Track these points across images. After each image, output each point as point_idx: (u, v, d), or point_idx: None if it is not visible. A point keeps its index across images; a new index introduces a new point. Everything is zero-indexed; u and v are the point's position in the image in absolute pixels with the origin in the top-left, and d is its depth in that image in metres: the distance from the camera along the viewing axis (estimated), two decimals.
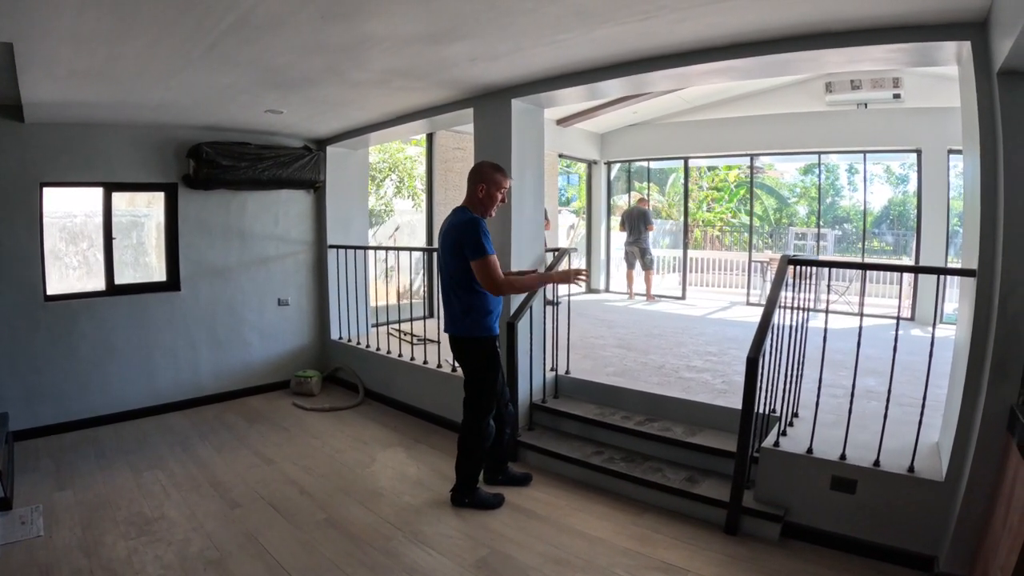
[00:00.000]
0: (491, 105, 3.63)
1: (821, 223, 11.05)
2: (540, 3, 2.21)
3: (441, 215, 6.73)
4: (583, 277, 2.94)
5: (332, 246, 5.26)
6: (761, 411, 2.77)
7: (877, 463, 2.48)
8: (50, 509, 2.91)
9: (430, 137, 6.69)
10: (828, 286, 3.67)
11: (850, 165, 12.77)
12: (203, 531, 2.72)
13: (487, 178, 2.81)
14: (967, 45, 2.21)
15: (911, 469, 2.43)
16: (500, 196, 2.84)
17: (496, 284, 2.73)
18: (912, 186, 11.99)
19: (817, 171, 13.08)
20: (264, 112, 4.06)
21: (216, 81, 3.25)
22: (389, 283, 5.58)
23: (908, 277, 6.53)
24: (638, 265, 7.64)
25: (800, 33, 2.50)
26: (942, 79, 5.53)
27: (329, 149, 5.21)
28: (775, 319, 2.76)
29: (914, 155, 6.27)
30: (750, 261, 8.04)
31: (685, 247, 8.37)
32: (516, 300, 3.48)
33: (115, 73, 2.98)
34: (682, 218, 9.06)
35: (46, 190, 3.96)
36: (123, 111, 3.81)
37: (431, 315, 6.40)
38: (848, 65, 2.97)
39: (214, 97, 3.62)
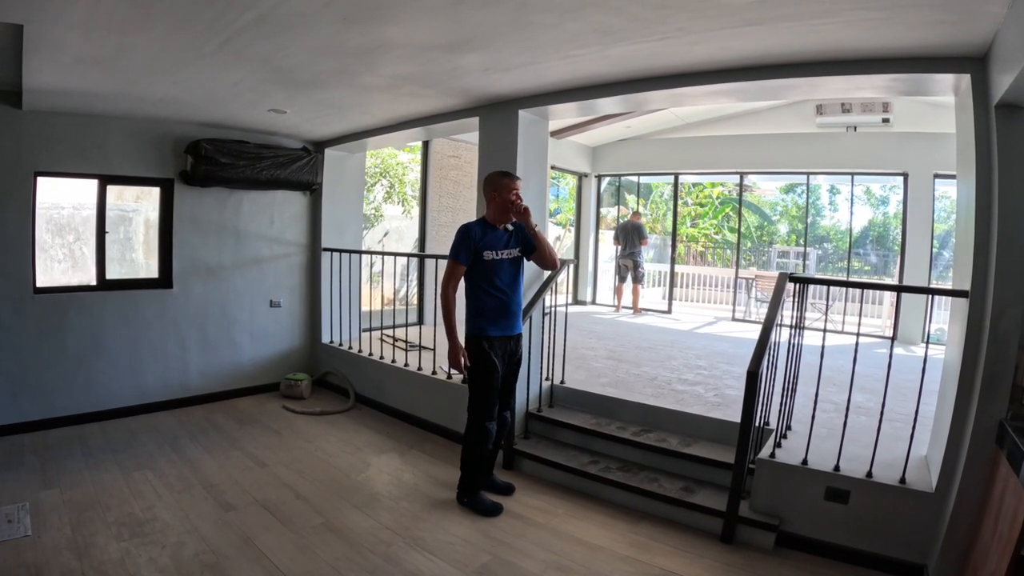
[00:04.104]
0: (498, 115, 3.67)
1: (803, 242, 11.32)
2: (562, 19, 2.27)
3: (435, 222, 6.74)
4: (463, 367, 2.93)
5: (326, 249, 5.23)
6: (756, 424, 2.84)
7: (870, 474, 2.56)
8: (37, 508, 2.83)
9: (426, 144, 6.70)
10: (820, 304, 3.77)
11: (832, 185, 13.12)
12: (198, 534, 2.67)
13: (495, 185, 2.93)
14: (967, 78, 2.32)
15: (902, 480, 2.51)
16: (514, 197, 2.89)
17: (442, 286, 2.91)
18: (892, 208, 12.38)
19: (799, 190, 13.44)
20: (267, 111, 4.04)
21: (224, 77, 3.24)
22: (383, 288, 5.56)
23: (890, 298, 6.72)
24: (629, 278, 7.75)
25: (806, 60, 2.59)
26: (930, 105, 5.74)
27: (327, 151, 5.19)
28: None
29: (898, 178, 6.49)
30: (736, 277, 8.19)
31: (672, 262, 8.51)
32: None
33: (123, 64, 2.95)
34: (670, 233, 9.20)
35: (40, 179, 3.87)
36: (124, 103, 3.76)
37: (421, 321, 6.38)
38: (849, 92, 3.09)
39: (219, 93, 3.59)
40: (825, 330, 2.90)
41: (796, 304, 2.96)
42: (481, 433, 2.94)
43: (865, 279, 11.37)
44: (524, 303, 3.57)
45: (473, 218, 3.12)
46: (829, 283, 2.94)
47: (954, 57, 2.31)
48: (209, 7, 2.26)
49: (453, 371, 2.99)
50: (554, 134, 7.44)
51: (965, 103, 2.40)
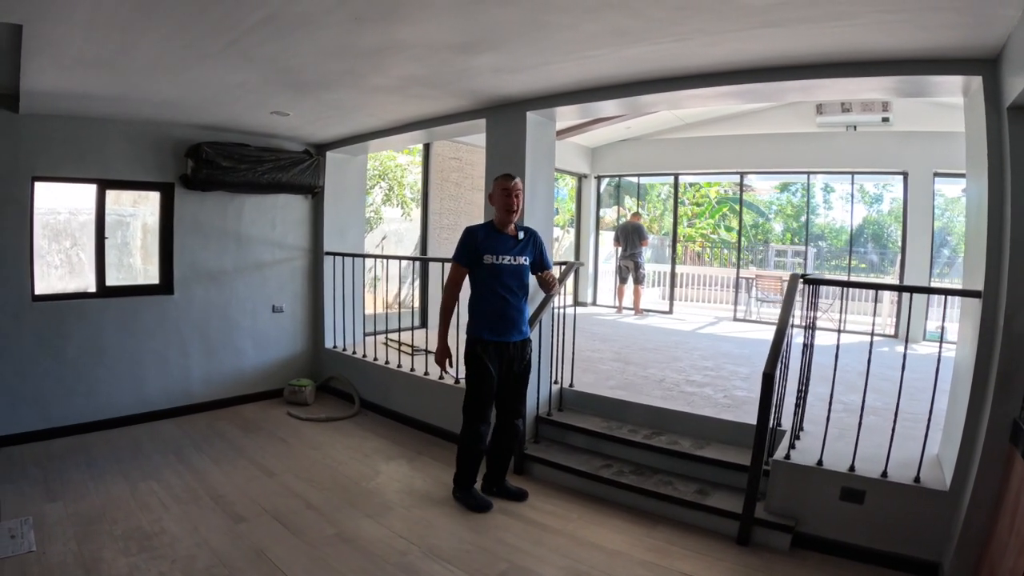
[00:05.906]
0: (506, 116, 3.64)
1: (801, 240, 11.39)
2: (580, 20, 2.25)
3: (436, 225, 6.71)
4: (448, 367, 3.14)
5: (328, 253, 5.18)
6: (770, 425, 2.83)
7: (885, 474, 2.56)
8: (40, 522, 2.76)
9: (427, 146, 6.65)
10: (823, 303, 3.77)
11: (826, 184, 13.21)
12: (208, 547, 2.62)
13: (492, 189, 3.03)
14: (978, 80, 2.33)
15: (917, 479, 2.52)
16: (503, 196, 2.93)
17: (445, 286, 3.01)
18: (885, 205, 12.49)
19: (793, 189, 13.52)
20: (269, 114, 3.99)
21: (228, 79, 3.18)
22: (387, 291, 5.50)
23: (890, 296, 6.74)
24: (630, 279, 7.75)
25: (819, 62, 2.59)
26: (930, 104, 5.76)
27: (329, 154, 5.13)
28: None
29: (890, 176, 6.53)
30: (737, 277, 8.21)
31: (673, 262, 8.52)
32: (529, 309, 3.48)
33: (124, 65, 2.89)
34: (668, 234, 9.21)
35: (38, 184, 3.80)
36: (124, 105, 3.70)
37: (425, 325, 6.34)
38: (857, 94, 3.09)
39: (222, 95, 3.54)
40: (840, 330, 2.90)
41: (806, 305, 2.95)
42: (471, 435, 3.01)
43: (863, 277, 11.46)
44: (531, 309, 3.56)
45: (475, 221, 3.13)
46: (843, 284, 2.92)
47: (967, 59, 2.31)
48: (216, 6, 2.21)
49: (446, 372, 3.10)
50: None
51: (976, 104, 2.41)
